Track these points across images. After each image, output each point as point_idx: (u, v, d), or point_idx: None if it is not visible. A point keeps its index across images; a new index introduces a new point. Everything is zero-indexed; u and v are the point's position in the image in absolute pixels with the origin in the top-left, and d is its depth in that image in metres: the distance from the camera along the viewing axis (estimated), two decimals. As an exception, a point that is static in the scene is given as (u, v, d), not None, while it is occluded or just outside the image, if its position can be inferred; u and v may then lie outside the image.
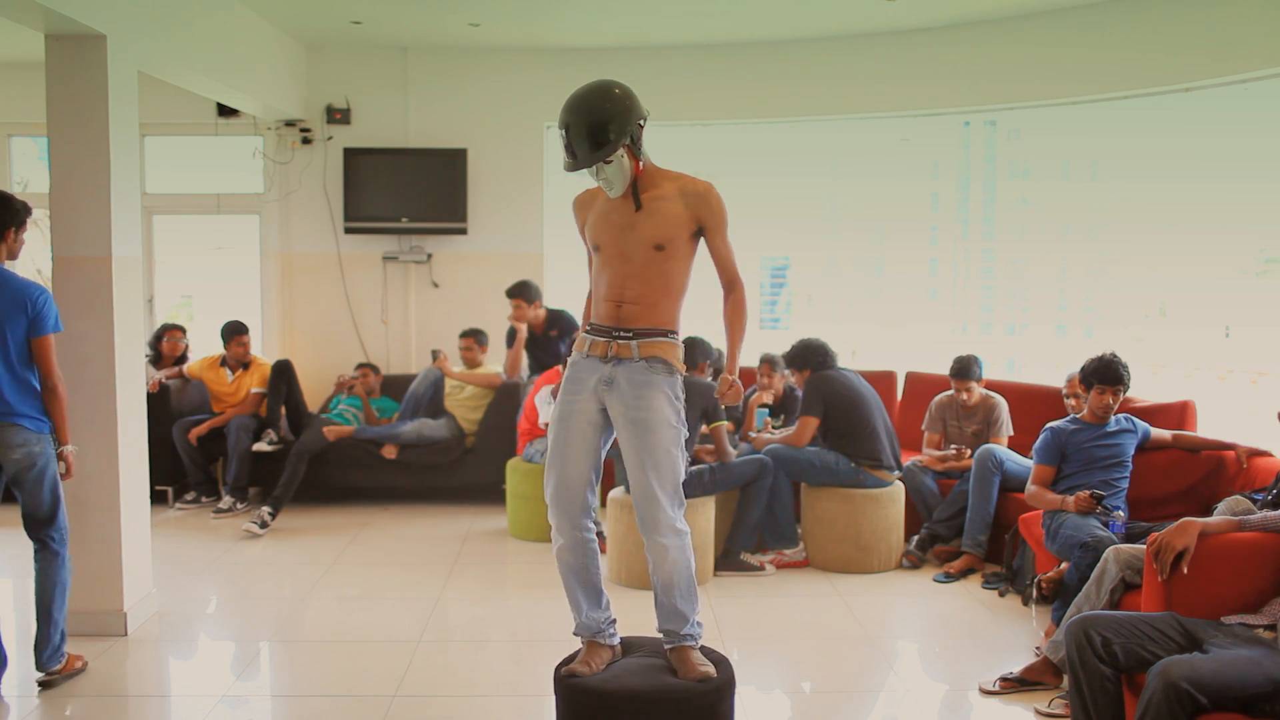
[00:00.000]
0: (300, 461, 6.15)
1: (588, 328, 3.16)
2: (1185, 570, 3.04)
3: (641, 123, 2.99)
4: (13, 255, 3.74)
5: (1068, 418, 4.55)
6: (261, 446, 6.33)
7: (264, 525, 5.85)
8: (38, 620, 3.75)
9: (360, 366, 6.87)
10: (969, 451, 5.36)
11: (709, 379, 5.27)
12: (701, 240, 3.11)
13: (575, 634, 3.18)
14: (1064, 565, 4.04)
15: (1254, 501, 3.66)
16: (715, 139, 7.34)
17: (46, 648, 3.75)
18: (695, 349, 5.32)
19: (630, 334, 3.04)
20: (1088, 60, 6.08)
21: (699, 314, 7.21)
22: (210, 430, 6.53)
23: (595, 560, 3.17)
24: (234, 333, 6.66)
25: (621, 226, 3.04)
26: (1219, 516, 3.45)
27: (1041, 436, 4.51)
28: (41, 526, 3.74)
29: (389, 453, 6.40)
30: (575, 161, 2.97)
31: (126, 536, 4.26)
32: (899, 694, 3.81)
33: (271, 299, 7.40)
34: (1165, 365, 6.52)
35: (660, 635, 3.14)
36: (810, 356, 5.42)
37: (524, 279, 6.48)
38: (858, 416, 5.23)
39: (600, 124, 2.91)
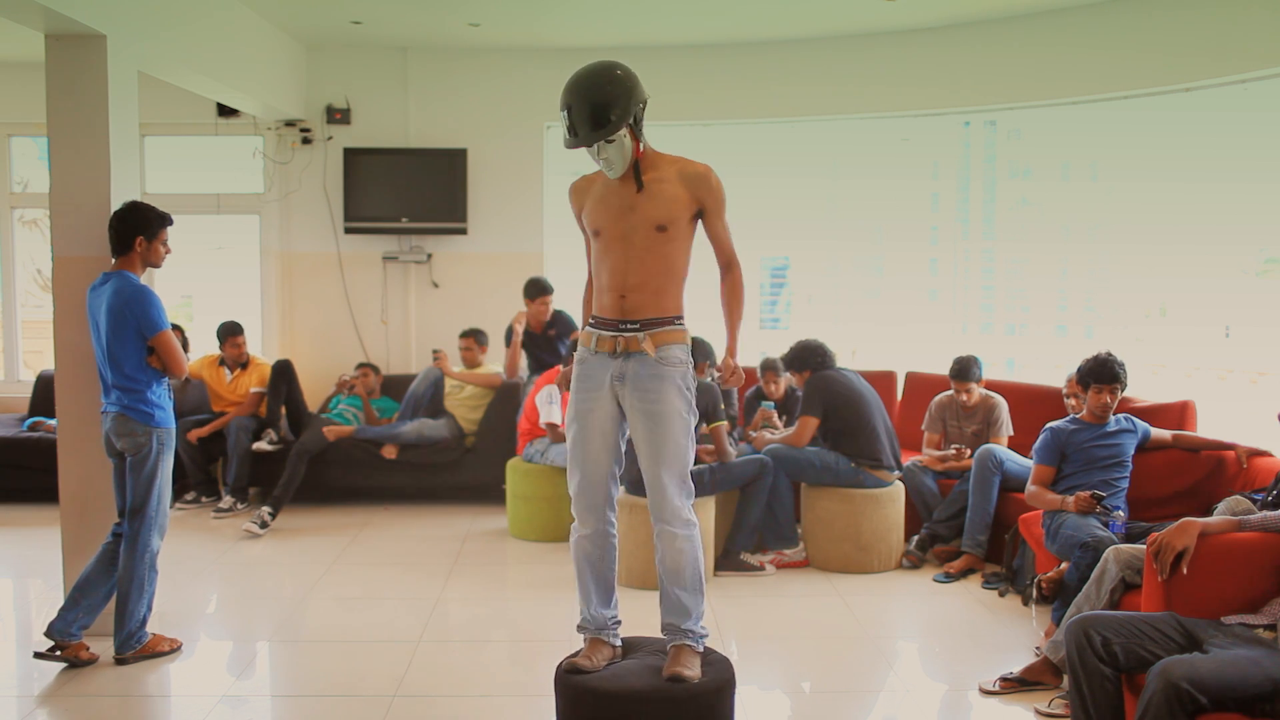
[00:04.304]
0: (300, 461, 6.15)
1: (591, 321, 3.14)
2: (1185, 570, 3.04)
3: (643, 104, 2.98)
4: (150, 264, 4.01)
5: (1067, 418, 4.55)
6: (262, 446, 6.33)
7: (264, 525, 5.85)
8: (115, 608, 3.93)
9: (360, 366, 6.87)
10: (969, 451, 5.37)
11: (710, 379, 5.27)
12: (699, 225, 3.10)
13: (579, 629, 3.19)
14: (1064, 565, 4.04)
15: (1254, 501, 3.67)
16: (715, 139, 7.34)
17: (119, 635, 3.92)
18: (697, 350, 5.30)
19: (637, 325, 3.03)
20: (1088, 60, 6.09)
21: (703, 314, 7.23)
22: (210, 430, 6.54)
23: (612, 555, 3.17)
24: (228, 334, 6.65)
25: (622, 209, 3.02)
26: (1219, 516, 3.45)
27: (1041, 436, 4.51)
28: (130, 515, 3.93)
29: (389, 453, 6.40)
30: (576, 140, 2.95)
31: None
32: (899, 694, 3.81)
33: (271, 299, 7.40)
34: (1165, 365, 6.52)
35: (663, 633, 3.14)
36: (809, 357, 5.42)
37: (533, 276, 6.50)
38: (857, 416, 5.23)
39: (602, 104, 2.90)
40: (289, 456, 6.17)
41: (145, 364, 3.90)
